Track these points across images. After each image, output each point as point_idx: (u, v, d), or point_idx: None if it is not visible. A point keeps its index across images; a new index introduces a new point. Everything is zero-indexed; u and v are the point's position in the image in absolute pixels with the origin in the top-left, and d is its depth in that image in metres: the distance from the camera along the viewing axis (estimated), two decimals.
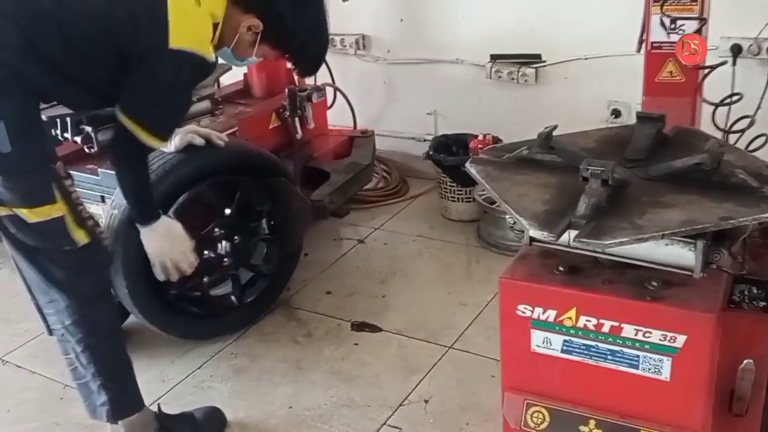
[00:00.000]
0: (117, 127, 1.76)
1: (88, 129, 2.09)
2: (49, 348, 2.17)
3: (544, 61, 2.95)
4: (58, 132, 2.13)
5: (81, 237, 1.67)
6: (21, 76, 1.59)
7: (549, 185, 1.34)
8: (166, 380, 2.17)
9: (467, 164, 1.46)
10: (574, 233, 1.19)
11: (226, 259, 2.26)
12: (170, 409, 1.91)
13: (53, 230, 1.65)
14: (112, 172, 1.94)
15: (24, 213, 1.61)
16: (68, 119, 2.11)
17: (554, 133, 1.45)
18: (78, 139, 2.11)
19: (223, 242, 2.24)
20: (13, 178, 1.59)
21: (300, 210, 2.43)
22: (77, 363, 1.76)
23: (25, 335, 1.88)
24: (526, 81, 2.97)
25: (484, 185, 1.39)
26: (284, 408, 2.04)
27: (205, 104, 2.58)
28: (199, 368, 2.23)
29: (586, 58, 2.84)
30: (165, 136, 1.84)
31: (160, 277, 1.97)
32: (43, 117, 1.83)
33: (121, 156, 1.85)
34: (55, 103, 1.92)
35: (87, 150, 2.14)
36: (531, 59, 2.96)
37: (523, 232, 1.29)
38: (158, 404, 1.91)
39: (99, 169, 2.28)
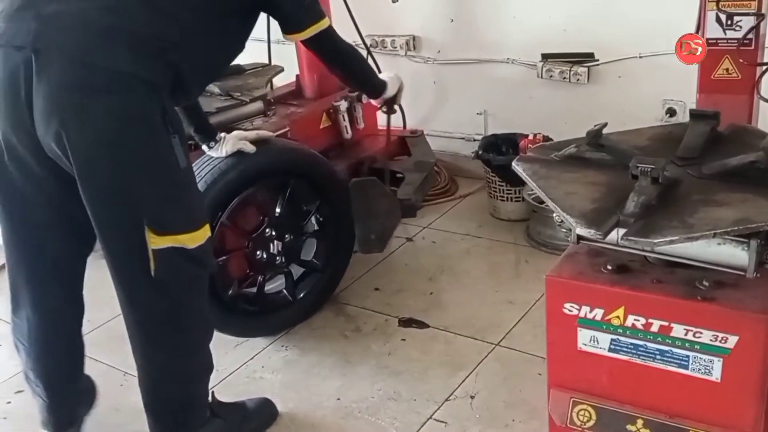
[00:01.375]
0: (317, 51, 1.93)
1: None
2: (110, 336, 2.29)
3: (597, 60, 2.90)
4: None
5: None
6: (181, 79, 1.50)
7: (598, 183, 1.34)
8: (219, 370, 2.23)
9: (514, 163, 1.47)
10: (622, 231, 1.19)
11: (277, 258, 2.32)
12: (222, 398, 1.98)
13: (206, 253, 1.58)
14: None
15: (185, 239, 1.52)
16: None
17: (605, 131, 1.44)
18: None
19: (276, 241, 2.30)
20: (188, 195, 1.55)
21: (390, 210, 2.42)
22: (174, 393, 1.75)
23: (87, 325, 1.99)
24: (578, 80, 2.93)
25: (530, 183, 1.40)
26: (332, 400, 2.08)
27: (258, 105, 2.64)
28: (250, 359, 2.30)
29: (640, 56, 2.78)
30: (324, 12, 1.88)
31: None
32: None
33: (334, 57, 1.97)
34: None
35: None
36: (583, 58, 2.92)
37: (570, 230, 1.30)
38: (212, 392, 1.99)
39: None
